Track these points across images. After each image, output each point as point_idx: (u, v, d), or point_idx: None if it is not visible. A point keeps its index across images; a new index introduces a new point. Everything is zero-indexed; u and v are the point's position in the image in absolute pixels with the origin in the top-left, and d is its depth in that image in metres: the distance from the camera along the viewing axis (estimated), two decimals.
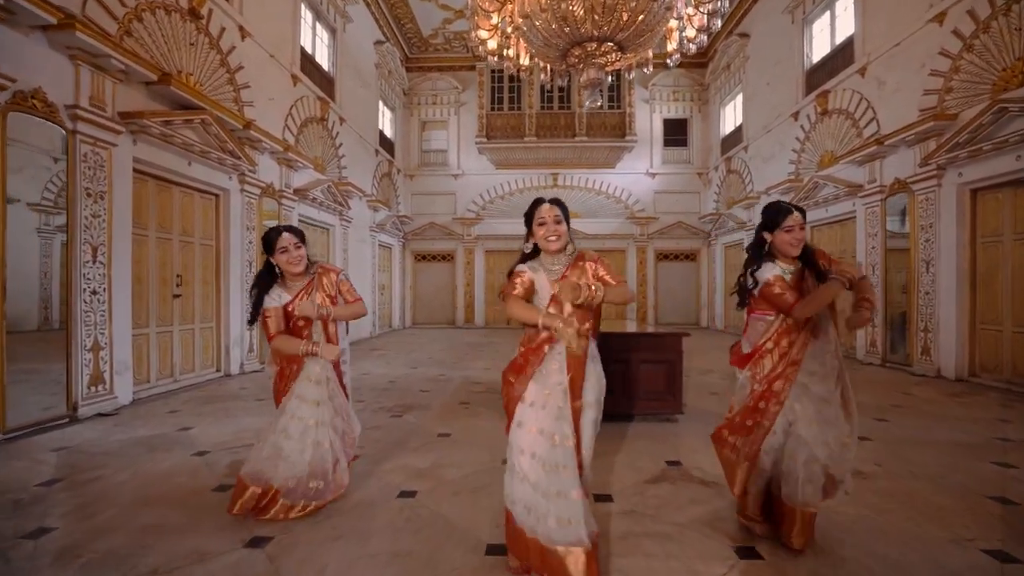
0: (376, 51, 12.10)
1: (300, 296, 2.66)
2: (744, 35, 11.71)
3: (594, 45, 5.28)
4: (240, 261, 6.86)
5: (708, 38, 5.59)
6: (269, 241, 2.66)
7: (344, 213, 10.13)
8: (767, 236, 2.35)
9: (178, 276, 5.94)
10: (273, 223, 7.66)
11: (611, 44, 5.31)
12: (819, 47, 9.25)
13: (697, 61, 13.95)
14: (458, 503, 2.73)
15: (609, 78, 6.35)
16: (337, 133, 10.02)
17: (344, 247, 10.33)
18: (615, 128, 13.74)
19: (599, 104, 5.52)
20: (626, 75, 6.19)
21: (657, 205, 14.39)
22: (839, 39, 8.62)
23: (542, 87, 13.46)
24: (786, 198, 9.88)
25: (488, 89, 13.83)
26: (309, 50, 9.08)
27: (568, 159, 14.06)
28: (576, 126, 13.63)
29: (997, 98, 5.50)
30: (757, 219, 9.97)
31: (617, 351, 4.24)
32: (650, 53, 5.99)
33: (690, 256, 14.58)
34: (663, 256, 14.56)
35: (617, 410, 4.30)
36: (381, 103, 12.97)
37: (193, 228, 6.20)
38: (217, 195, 6.58)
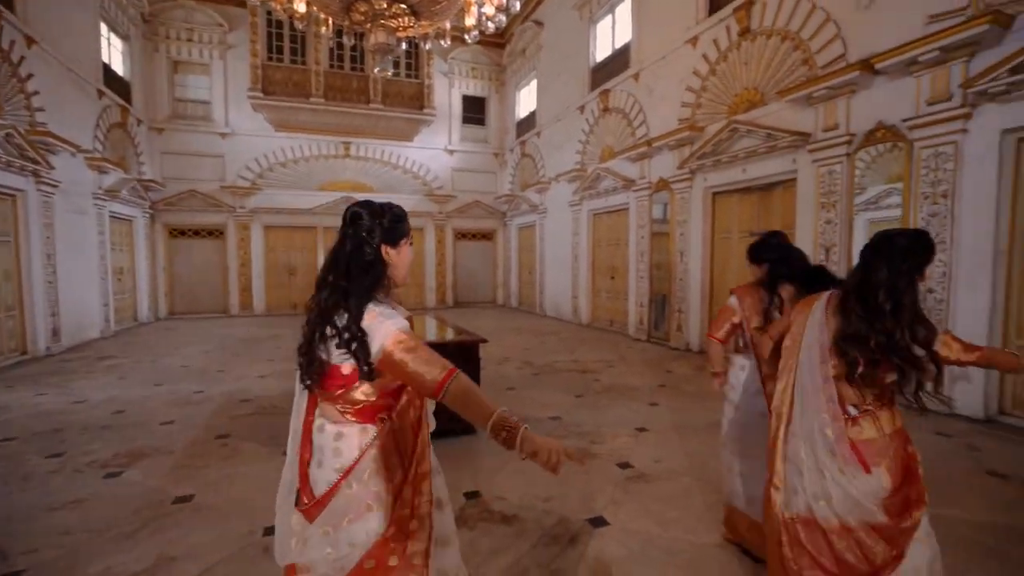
0: None
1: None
2: (539, 23, 12.02)
3: (384, 4, 4.57)
4: None
5: (507, 18, 5.34)
6: (400, 220, 1.55)
7: (43, 174, 7.38)
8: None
9: None
10: None
11: (404, 7, 4.69)
12: (603, 47, 9.96)
13: (496, 41, 13.95)
14: None
15: (403, 45, 5.66)
16: (22, 58, 7.13)
17: (46, 221, 7.58)
18: (413, 99, 12.97)
19: (390, 73, 4.82)
20: (423, 45, 5.59)
21: (455, 183, 14.22)
22: (619, 43, 9.37)
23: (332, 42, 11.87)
24: (572, 187, 10.62)
25: (264, 34, 11.61)
26: None
27: (362, 127, 12.81)
28: (371, 92, 12.44)
29: (731, 119, 6.53)
30: (549, 203, 10.34)
31: None
32: (447, 25, 5.53)
33: (487, 236, 14.89)
34: (461, 235, 14.56)
35: None
36: (105, 27, 9.79)
37: None
38: None
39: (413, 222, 12.64)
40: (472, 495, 3.04)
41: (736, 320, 2.46)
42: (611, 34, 9.63)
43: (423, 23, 5.01)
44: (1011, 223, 4.23)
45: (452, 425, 3.96)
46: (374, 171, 13.37)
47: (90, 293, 8.89)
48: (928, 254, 1.62)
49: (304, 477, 1.44)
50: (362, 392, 1.41)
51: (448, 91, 13.85)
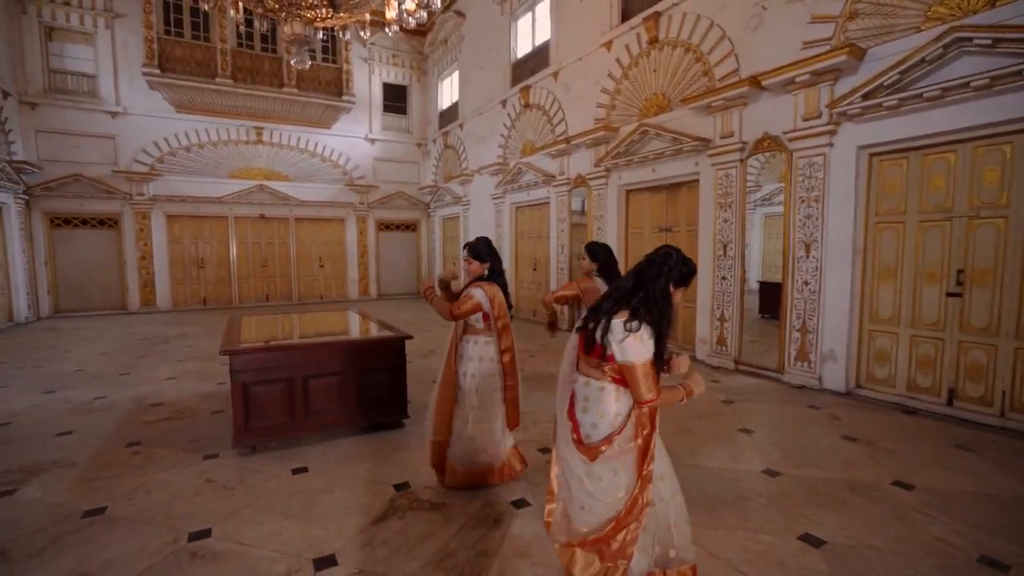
0: None
1: None
2: (460, 14, 12.00)
3: None
4: None
5: (427, 15, 5.38)
6: (693, 273, 2.04)
7: None
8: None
9: None
10: None
11: None
12: (523, 44, 10.17)
13: (417, 29, 13.69)
14: None
15: (320, 34, 5.54)
16: None
17: None
18: (331, 84, 12.49)
19: (307, 65, 4.71)
20: (341, 35, 5.49)
21: (377, 173, 13.93)
22: (539, 41, 9.62)
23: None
24: (495, 180, 10.82)
25: (160, 5, 10.62)
26: None
27: (275, 112, 12.16)
28: (284, 75, 11.83)
29: (642, 122, 7.02)
30: (472, 195, 10.55)
31: (333, 363, 3.86)
32: (367, 17, 5.48)
33: (411, 227, 14.76)
34: (384, 226, 14.32)
35: (339, 427, 3.95)
36: None
37: None
38: None
39: (333, 212, 12.33)
40: (401, 486, 3.18)
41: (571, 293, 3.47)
42: (531, 31, 9.87)
43: (341, 15, 4.93)
44: (864, 225, 4.99)
45: (380, 419, 4.10)
46: (290, 159, 12.75)
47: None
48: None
49: (574, 421, 1.99)
50: (611, 369, 1.91)
51: (368, 77, 13.46)
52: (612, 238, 7.91)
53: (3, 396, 5.17)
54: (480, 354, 3.05)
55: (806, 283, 5.34)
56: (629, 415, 1.93)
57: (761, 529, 2.67)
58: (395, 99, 14.14)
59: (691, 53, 6.43)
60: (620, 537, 1.90)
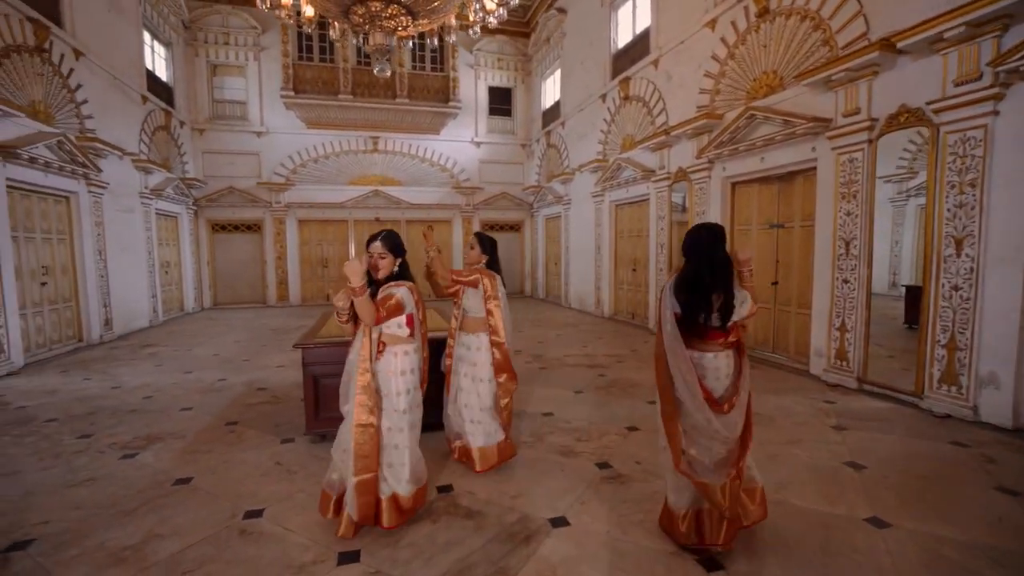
0: None
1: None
2: (562, 11, 11.84)
3: (379, 5, 4.66)
4: None
5: (506, 13, 5.33)
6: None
7: (92, 176, 7.98)
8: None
9: None
10: None
11: (399, 7, 4.76)
12: (623, 34, 9.71)
13: (521, 31, 13.86)
14: None
15: (410, 43, 5.78)
16: (71, 71, 7.71)
17: (97, 220, 8.21)
18: (439, 92, 13.10)
19: (387, 74, 4.92)
20: (448, 38, 5.69)
21: (482, 175, 14.30)
22: (639, 28, 9.11)
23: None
24: (595, 177, 10.48)
25: (294, 35, 12.02)
26: None
27: (389, 122, 13.08)
28: (397, 86, 12.66)
29: (749, 105, 6.26)
30: (573, 194, 10.29)
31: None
32: (453, 20, 5.59)
33: (515, 227, 14.92)
34: (489, 227, 14.64)
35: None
36: (148, 36, 10.40)
37: None
38: None
39: (440, 214, 12.89)
40: (445, 488, 3.14)
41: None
42: (632, 19, 9.38)
43: (421, 22, 5.07)
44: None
45: (437, 420, 4.11)
46: (402, 165, 13.64)
47: (139, 285, 9.58)
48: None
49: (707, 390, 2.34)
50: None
51: (474, 83, 13.89)
52: None
53: (157, 374, 6.16)
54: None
55: (956, 288, 4.31)
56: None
57: None
58: (500, 101, 14.42)
59: (808, 20, 5.58)
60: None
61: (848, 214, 5.21)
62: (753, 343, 6.75)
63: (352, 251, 13.52)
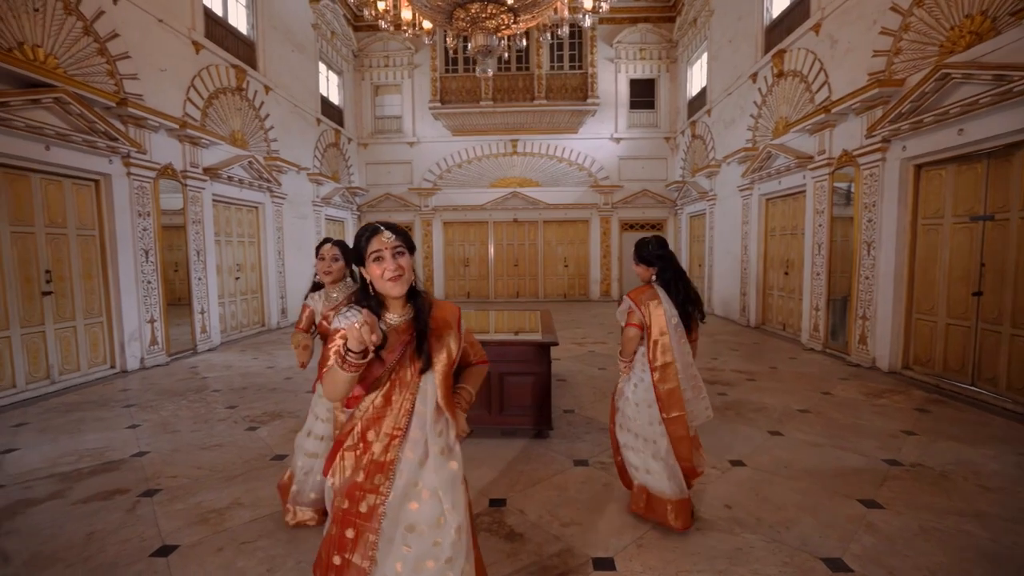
0: (312, 10, 11.18)
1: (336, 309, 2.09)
2: None
3: (477, 7, 4.67)
4: (132, 250, 6.39)
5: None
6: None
7: (274, 189, 9.55)
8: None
9: (47, 272, 5.50)
10: (178, 206, 7.17)
11: (500, 6, 4.71)
12: (779, 1, 8.39)
13: (666, 15, 12.93)
14: (207, 569, 2.37)
15: (523, 41, 5.73)
16: (262, 103, 9.32)
17: (278, 225, 9.82)
18: (576, 90, 12.89)
19: (489, 74, 4.91)
20: (589, 32, 5.58)
21: (622, 172, 13.68)
22: None
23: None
24: (742, 168, 9.27)
25: (441, 50, 12.92)
26: (219, 12, 8.29)
27: (528, 124, 13.27)
28: (535, 88, 12.78)
29: (940, 63, 4.86)
30: (718, 188, 9.36)
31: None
32: (566, 13, 5.40)
33: (657, 226, 13.98)
34: (628, 226, 13.96)
35: (479, 426, 3.96)
36: (324, 67, 12.12)
37: (65, 218, 5.71)
38: (96, 180, 6.05)
39: (578, 214, 12.73)
40: (497, 502, 2.97)
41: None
42: None
43: (523, 18, 4.95)
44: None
45: (522, 426, 3.94)
46: (540, 165, 13.75)
47: (309, 281, 11.18)
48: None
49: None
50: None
51: (614, 77, 13.36)
52: (889, 231, 5.78)
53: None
54: None
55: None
56: None
57: None
58: (642, 94, 13.64)
59: None
60: None
61: None
62: (942, 369, 5.26)
63: (492, 252, 14.07)
